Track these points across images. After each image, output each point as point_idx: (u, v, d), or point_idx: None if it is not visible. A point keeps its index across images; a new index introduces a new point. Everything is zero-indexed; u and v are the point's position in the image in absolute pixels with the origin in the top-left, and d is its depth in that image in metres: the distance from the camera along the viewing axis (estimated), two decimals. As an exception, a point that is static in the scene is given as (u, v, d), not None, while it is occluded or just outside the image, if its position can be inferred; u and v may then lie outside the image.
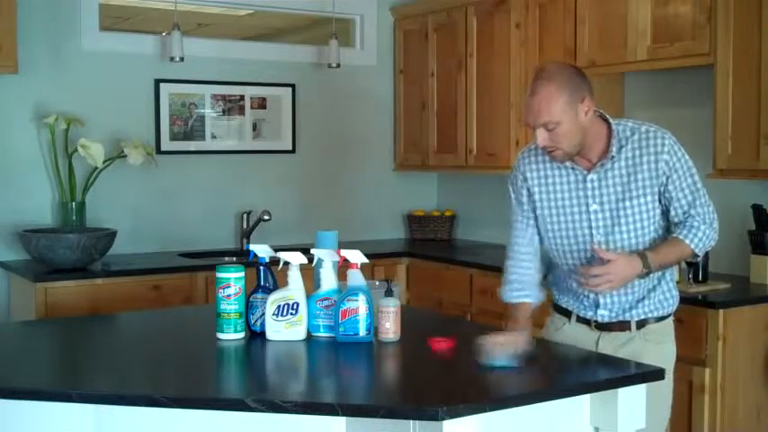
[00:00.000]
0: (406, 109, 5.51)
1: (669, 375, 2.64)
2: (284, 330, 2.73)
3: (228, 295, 2.76)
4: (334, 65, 5.19)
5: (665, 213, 2.63)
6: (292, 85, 5.26)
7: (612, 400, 2.35)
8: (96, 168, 4.50)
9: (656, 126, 2.63)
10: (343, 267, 2.77)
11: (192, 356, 2.70)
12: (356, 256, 2.71)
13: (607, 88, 4.36)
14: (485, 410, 2.12)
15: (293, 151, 5.29)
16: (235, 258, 4.76)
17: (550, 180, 2.69)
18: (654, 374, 2.41)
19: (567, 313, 2.79)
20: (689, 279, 3.65)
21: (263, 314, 2.76)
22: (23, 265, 4.37)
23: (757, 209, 3.74)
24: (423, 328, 2.94)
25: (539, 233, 2.76)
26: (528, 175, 2.73)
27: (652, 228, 2.60)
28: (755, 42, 3.53)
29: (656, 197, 2.58)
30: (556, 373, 2.51)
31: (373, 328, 2.71)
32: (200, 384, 2.44)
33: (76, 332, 3.09)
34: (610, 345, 2.69)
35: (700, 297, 3.50)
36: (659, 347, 2.68)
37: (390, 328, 2.71)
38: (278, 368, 2.67)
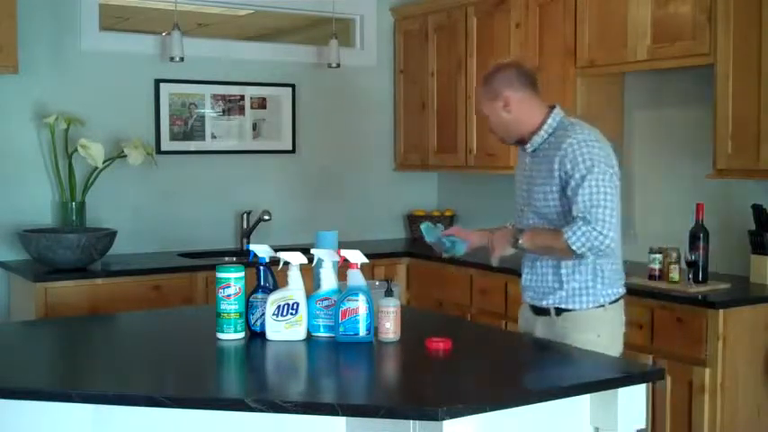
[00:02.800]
0: (406, 109, 5.51)
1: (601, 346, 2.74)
2: (284, 330, 2.73)
3: (228, 295, 2.76)
4: (334, 65, 5.19)
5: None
6: (292, 85, 5.26)
7: (612, 400, 2.35)
8: (96, 168, 4.50)
9: (582, 128, 2.82)
10: (343, 267, 2.77)
11: (192, 356, 2.70)
12: (356, 256, 2.71)
13: (607, 88, 4.36)
14: (485, 410, 2.12)
15: (293, 151, 5.30)
16: (235, 258, 4.76)
17: (519, 159, 3.06)
18: (654, 374, 2.41)
19: None
20: (689, 279, 3.65)
21: (263, 314, 2.76)
22: (23, 265, 4.37)
23: (757, 209, 3.74)
24: (423, 329, 2.93)
25: None
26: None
27: (554, 214, 2.81)
28: (755, 42, 3.53)
29: (560, 188, 2.78)
30: (556, 373, 2.52)
31: (373, 328, 2.71)
32: (200, 384, 2.44)
33: (76, 332, 3.09)
34: (543, 328, 2.89)
35: (700, 297, 3.50)
36: (579, 336, 2.80)
37: (390, 328, 2.71)
38: (278, 368, 2.67)
